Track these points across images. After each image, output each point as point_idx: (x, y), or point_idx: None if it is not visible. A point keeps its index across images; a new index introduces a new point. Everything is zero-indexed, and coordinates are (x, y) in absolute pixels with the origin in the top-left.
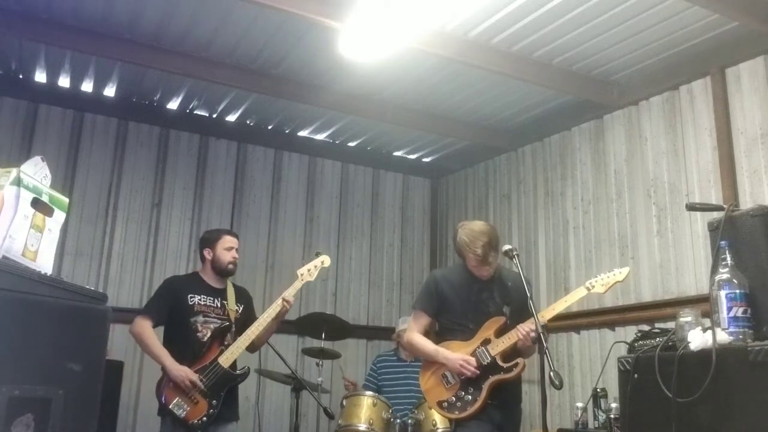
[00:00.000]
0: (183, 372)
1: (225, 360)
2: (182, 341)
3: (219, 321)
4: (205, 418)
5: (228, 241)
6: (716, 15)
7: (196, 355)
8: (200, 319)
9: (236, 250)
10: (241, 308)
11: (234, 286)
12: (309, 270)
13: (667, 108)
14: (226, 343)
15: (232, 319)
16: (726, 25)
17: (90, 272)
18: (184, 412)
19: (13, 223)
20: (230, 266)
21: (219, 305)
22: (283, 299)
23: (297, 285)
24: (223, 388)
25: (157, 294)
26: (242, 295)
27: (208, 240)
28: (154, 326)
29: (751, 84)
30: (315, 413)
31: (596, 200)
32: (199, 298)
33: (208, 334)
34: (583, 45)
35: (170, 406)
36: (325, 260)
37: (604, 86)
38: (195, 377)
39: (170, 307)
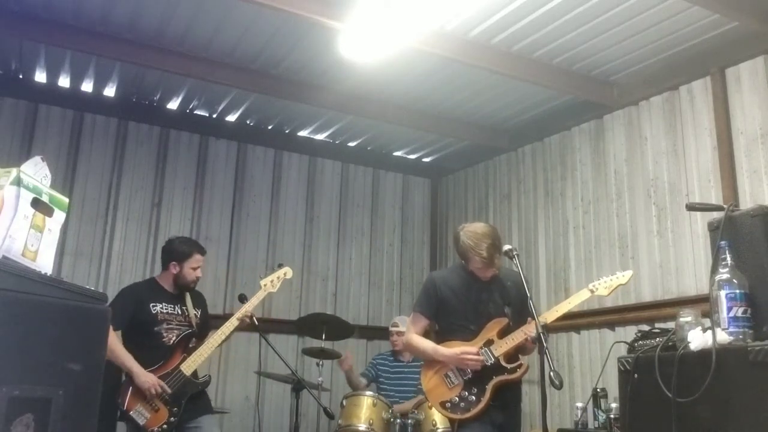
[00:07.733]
0: (151, 379)
1: (187, 367)
2: (148, 349)
3: (182, 328)
4: (165, 426)
5: (197, 260)
6: (716, 15)
7: (161, 362)
8: (164, 326)
9: (201, 268)
10: (199, 312)
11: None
12: (272, 281)
13: (667, 108)
14: (191, 346)
15: (194, 325)
16: (726, 25)
17: (90, 272)
18: (145, 420)
19: (13, 223)
20: (193, 284)
21: (180, 312)
22: (244, 315)
23: (260, 295)
24: (185, 396)
25: (117, 303)
26: (198, 300)
27: (179, 254)
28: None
29: (751, 84)
30: (315, 413)
31: (596, 200)
32: (161, 306)
33: (174, 339)
34: (583, 45)
35: (131, 413)
36: (288, 272)
37: (604, 86)
38: (163, 384)
39: (132, 315)
